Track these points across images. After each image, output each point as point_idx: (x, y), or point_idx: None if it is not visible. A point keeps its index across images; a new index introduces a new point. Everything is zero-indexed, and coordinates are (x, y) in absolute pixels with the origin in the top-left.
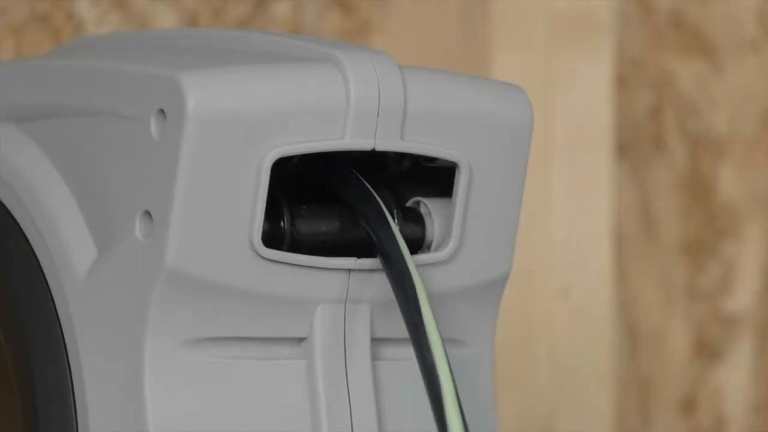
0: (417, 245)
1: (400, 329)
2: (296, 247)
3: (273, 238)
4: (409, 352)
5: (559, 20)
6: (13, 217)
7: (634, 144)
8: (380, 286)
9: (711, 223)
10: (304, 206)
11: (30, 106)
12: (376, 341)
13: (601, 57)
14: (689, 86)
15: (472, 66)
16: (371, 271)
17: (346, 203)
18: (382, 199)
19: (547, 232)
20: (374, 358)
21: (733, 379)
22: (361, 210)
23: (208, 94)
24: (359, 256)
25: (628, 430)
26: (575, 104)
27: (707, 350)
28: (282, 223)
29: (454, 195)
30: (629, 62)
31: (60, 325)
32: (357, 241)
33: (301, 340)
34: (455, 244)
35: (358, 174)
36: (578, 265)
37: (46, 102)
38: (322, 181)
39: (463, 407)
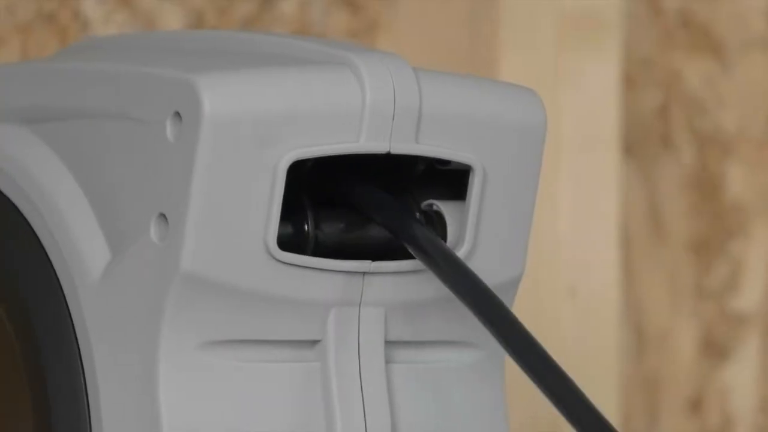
0: None
1: (414, 332)
2: (315, 250)
3: (296, 240)
4: (422, 354)
5: (566, 20)
6: (25, 219)
7: (642, 143)
8: (395, 288)
9: (719, 222)
10: (322, 209)
11: (41, 108)
12: (390, 344)
13: (608, 56)
14: (697, 85)
15: (478, 65)
16: (386, 273)
17: (375, 216)
18: (397, 203)
19: (554, 231)
20: (388, 361)
21: (741, 378)
22: (384, 216)
23: (224, 97)
24: (374, 258)
25: (635, 430)
26: (582, 103)
27: (715, 349)
28: (306, 226)
29: (467, 198)
30: (636, 61)
31: (73, 326)
32: (371, 243)
33: (315, 342)
34: (469, 247)
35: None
36: (585, 265)
37: (57, 104)
38: (341, 192)
39: (475, 411)
